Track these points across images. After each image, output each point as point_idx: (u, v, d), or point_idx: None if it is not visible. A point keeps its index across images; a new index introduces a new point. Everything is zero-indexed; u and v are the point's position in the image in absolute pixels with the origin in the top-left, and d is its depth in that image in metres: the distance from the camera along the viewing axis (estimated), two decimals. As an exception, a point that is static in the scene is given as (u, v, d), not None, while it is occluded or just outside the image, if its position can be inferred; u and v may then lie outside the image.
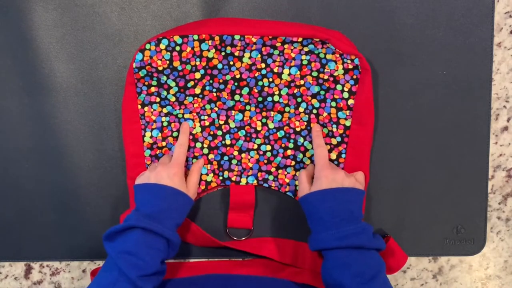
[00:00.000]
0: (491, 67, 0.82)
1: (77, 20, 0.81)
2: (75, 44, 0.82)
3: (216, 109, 0.81)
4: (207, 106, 0.81)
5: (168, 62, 0.77)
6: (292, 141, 0.82)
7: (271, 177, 0.82)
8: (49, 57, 0.82)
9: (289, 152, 0.82)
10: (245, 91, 0.80)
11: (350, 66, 0.78)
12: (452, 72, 0.82)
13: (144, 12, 0.81)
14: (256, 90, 0.80)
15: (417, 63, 0.82)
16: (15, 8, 0.81)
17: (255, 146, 0.82)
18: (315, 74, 0.79)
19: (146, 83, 0.78)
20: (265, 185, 0.83)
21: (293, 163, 0.82)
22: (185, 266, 0.85)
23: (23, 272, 0.87)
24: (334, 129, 0.80)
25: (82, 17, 0.81)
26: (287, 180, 0.82)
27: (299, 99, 0.80)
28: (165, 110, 0.80)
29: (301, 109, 0.81)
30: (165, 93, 0.79)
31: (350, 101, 0.79)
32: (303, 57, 0.78)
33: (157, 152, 0.81)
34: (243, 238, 0.85)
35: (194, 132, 0.81)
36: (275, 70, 0.79)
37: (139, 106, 0.79)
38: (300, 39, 0.76)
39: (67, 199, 0.84)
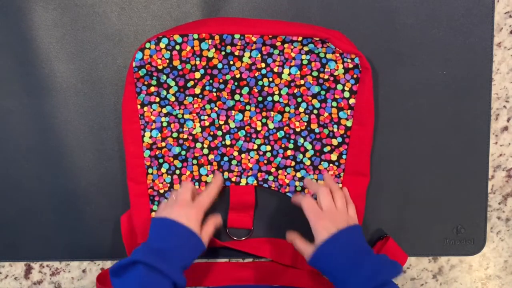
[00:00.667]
0: (491, 67, 0.82)
1: (77, 20, 0.81)
2: (75, 44, 0.81)
3: (216, 109, 0.81)
4: (207, 106, 0.80)
5: (168, 61, 0.77)
6: (292, 141, 0.81)
7: (271, 178, 0.82)
8: (49, 57, 0.81)
9: (289, 152, 0.82)
10: (245, 90, 0.80)
11: (351, 65, 0.77)
12: (452, 72, 0.82)
13: (144, 12, 0.81)
14: (256, 90, 0.80)
15: (417, 63, 0.82)
16: (15, 8, 0.80)
17: (255, 147, 0.82)
18: (315, 74, 0.79)
19: (146, 83, 0.78)
20: (265, 185, 0.82)
21: (293, 163, 0.82)
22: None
23: (23, 272, 0.86)
24: (335, 130, 0.80)
25: (82, 17, 0.81)
26: (287, 181, 0.82)
27: (299, 99, 0.80)
28: (164, 110, 0.80)
29: (301, 109, 0.80)
30: (164, 92, 0.79)
31: (351, 101, 0.79)
32: (303, 56, 0.78)
33: (157, 153, 0.81)
34: (243, 238, 0.85)
35: (194, 132, 0.81)
36: (275, 69, 0.79)
37: (139, 106, 0.79)
38: (300, 39, 0.76)
39: (67, 199, 0.84)
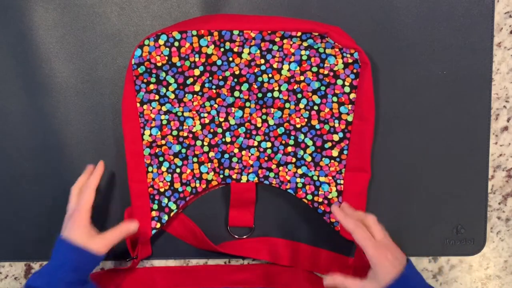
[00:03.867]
0: (491, 67, 0.82)
1: (77, 20, 0.80)
2: (75, 44, 0.81)
3: (216, 106, 0.80)
4: (207, 104, 0.80)
5: (167, 58, 0.76)
6: (292, 137, 0.80)
7: (271, 174, 0.81)
8: (49, 57, 0.81)
9: (289, 149, 0.81)
10: (244, 87, 0.79)
11: (350, 60, 0.77)
12: (452, 72, 0.81)
13: (144, 12, 0.81)
14: (255, 86, 0.79)
15: (417, 63, 0.81)
16: (15, 8, 0.80)
17: (255, 143, 0.81)
18: (315, 69, 0.78)
19: (145, 80, 0.77)
20: (266, 182, 0.81)
21: (293, 160, 0.81)
22: (184, 270, 0.84)
23: (23, 272, 0.86)
24: (336, 125, 0.79)
25: (82, 17, 0.80)
26: (287, 177, 0.81)
27: (299, 95, 0.79)
28: (164, 108, 0.79)
29: (301, 105, 0.80)
30: (164, 90, 0.78)
31: (352, 95, 0.78)
32: (303, 52, 0.77)
33: (156, 151, 0.80)
34: (244, 237, 0.84)
35: (194, 130, 0.80)
36: (275, 65, 0.78)
37: (138, 104, 0.78)
38: (299, 34, 0.75)
39: (67, 199, 0.83)
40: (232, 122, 0.80)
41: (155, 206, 0.80)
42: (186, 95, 0.79)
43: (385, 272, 0.67)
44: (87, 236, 0.72)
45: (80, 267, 0.71)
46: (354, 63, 0.77)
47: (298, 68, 0.78)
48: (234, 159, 0.81)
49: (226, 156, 0.81)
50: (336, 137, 0.79)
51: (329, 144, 0.80)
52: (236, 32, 0.75)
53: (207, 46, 0.76)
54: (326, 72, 0.78)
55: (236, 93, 0.79)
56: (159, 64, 0.76)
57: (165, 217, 0.80)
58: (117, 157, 0.82)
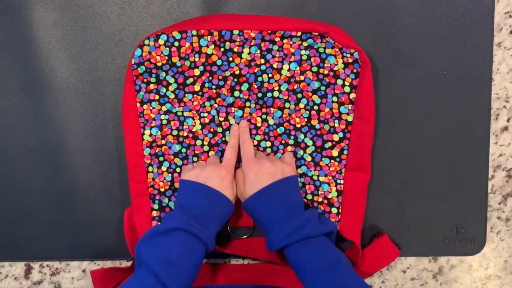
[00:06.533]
0: (491, 67, 0.81)
1: (77, 20, 0.80)
2: (75, 44, 0.81)
3: (216, 106, 0.79)
4: (207, 103, 0.79)
5: (167, 58, 0.76)
6: (292, 137, 0.80)
7: None
8: (49, 57, 0.80)
9: (289, 148, 0.80)
10: (244, 87, 0.79)
11: (350, 60, 0.76)
12: (452, 72, 0.81)
13: (144, 12, 0.80)
14: (255, 86, 0.78)
15: (417, 63, 0.81)
16: (15, 8, 0.80)
17: (255, 143, 0.80)
18: (315, 69, 0.78)
19: (145, 80, 0.77)
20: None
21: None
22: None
23: (23, 272, 0.86)
24: (336, 125, 0.79)
25: (82, 17, 0.80)
26: None
27: (299, 95, 0.79)
28: (164, 108, 0.79)
29: (301, 105, 0.79)
30: (164, 90, 0.78)
31: (352, 95, 0.78)
32: (303, 52, 0.77)
33: (157, 151, 0.79)
34: (245, 237, 0.83)
35: (194, 129, 0.80)
36: (275, 65, 0.78)
37: (138, 104, 0.78)
38: (299, 34, 0.75)
39: (67, 199, 0.83)
40: (232, 121, 0.80)
41: (156, 206, 0.80)
42: (186, 95, 0.78)
43: (247, 181, 0.74)
44: (230, 189, 0.75)
45: (226, 219, 0.74)
46: (354, 63, 0.77)
47: (298, 68, 0.78)
48: None
49: (226, 155, 0.81)
50: (336, 137, 0.79)
51: (329, 144, 0.79)
52: (236, 32, 0.75)
53: (207, 46, 0.76)
54: (326, 72, 0.77)
55: (236, 93, 0.79)
56: (159, 64, 0.76)
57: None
58: (117, 157, 0.82)
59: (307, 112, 0.79)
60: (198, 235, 0.69)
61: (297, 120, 0.80)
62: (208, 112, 0.79)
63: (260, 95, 0.79)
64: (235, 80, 0.78)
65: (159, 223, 0.75)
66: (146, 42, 0.75)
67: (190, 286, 0.68)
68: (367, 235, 0.84)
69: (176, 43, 0.75)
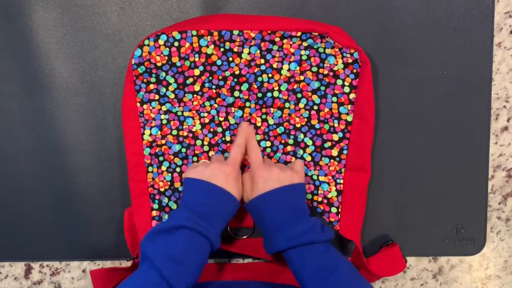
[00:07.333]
0: (491, 67, 0.81)
1: (77, 20, 0.80)
2: (75, 44, 0.80)
3: (216, 105, 0.79)
4: (207, 103, 0.79)
5: (166, 58, 0.76)
6: (292, 137, 0.80)
7: None
8: (49, 57, 0.80)
9: (289, 148, 0.80)
10: (244, 87, 0.79)
11: (350, 60, 0.76)
12: (452, 72, 0.81)
13: (144, 12, 0.80)
14: (255, 86, 0.78)
15: (417, 63, 0.81)
16: (15, 8, 0.80)
17: None
18: (314, 69, 0.78)
19: (145, 80, 0.77)
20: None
21: (293, 159, 0.80)
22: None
23: (23, 272, 0.85)
24: (336, 125, 0.79)
25: (82, 17, 0.80)
26: None
27: (299, 95, 0.79)
28: (164, 108, 0.79)
29: (301, 105, 0.79)
30: (164, 90, 0.78)
31: (352, 95, 0.78)
32: (303, 52, 0.77)
33: (156, 150, 0.79)
34: (245, 237, 0.83)
35: (194, 129, 0.80)
36: (275, 65, 0.78)
37: (138, 104, 0.78)
38: (299, 34, 0.75)
39: (67, 199, 0.83)
40: (232, 121, 0.80)
41: (156, 206, 0.80)
42: (186, 94, 0.78)
43: (255, 187, 0.73)
44: (235, 186, 0.74)
45: (231, 216, 0.74)
46: (354, 63, 0.76)
47: (298, 68, 0.77)
48: None
49: (226, 155, 0.80)
50: (335, 137, 0.79)
51: (328, 144, 0.79)
52: (236, 32, 0.75)
53: (207, 46, 0.76)
54: (326, 72, 0.77)
55: (236, 93, 0.79)
56: (159, 64, 0.76)
57: (166, 217, 0.80)
58: (117, 157, 0.82)
59: (307, 112, 0.79)
60: (204, 232, 0.68)
61: (297, 120, 0.79)
62: (208, 112, 0.79)
63: (260, 95, 0.79)
64: (235, 80, 0.78)
65: (163, 221, 0.75)
66: (146, 42, 0.75)
67: (194, 283, 0.68)
68: (368, 239, 0.84)
69: (176, 43, 0.75)
